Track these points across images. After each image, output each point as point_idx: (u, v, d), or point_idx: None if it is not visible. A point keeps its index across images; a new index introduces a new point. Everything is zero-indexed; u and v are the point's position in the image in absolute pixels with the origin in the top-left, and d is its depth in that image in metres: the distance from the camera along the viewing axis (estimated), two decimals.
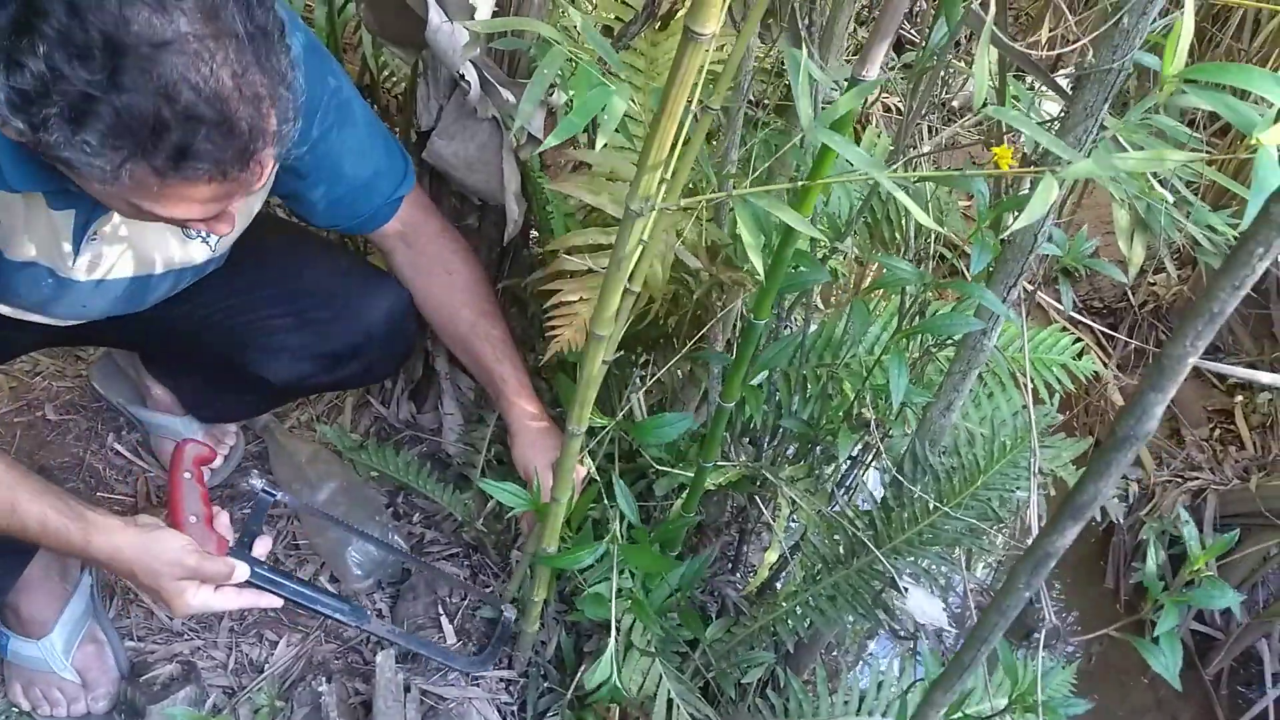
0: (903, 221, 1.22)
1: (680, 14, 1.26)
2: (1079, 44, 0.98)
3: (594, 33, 0.70)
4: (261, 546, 1.10)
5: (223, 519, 1.09)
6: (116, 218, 1.00)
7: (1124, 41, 0.68)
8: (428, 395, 1.59)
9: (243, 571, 1.06)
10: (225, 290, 1.21)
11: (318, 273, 1.28)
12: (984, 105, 0.55)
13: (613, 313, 0.79)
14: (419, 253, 1.23)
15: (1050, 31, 2.68)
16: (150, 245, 1.06)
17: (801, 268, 0.92)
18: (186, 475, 1.08)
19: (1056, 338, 1.33)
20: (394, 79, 2.01)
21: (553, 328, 1.14)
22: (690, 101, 0.62)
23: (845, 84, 0.79)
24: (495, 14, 1.14)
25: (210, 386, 1.42)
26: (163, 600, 1.01)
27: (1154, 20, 0.76)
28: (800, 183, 0.62)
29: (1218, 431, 2.22)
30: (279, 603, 1.11)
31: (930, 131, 1.56)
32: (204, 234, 1.10)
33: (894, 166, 1.08)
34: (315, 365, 1.26)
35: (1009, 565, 2.17)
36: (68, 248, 1.00)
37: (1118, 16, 0.68)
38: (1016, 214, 0.94)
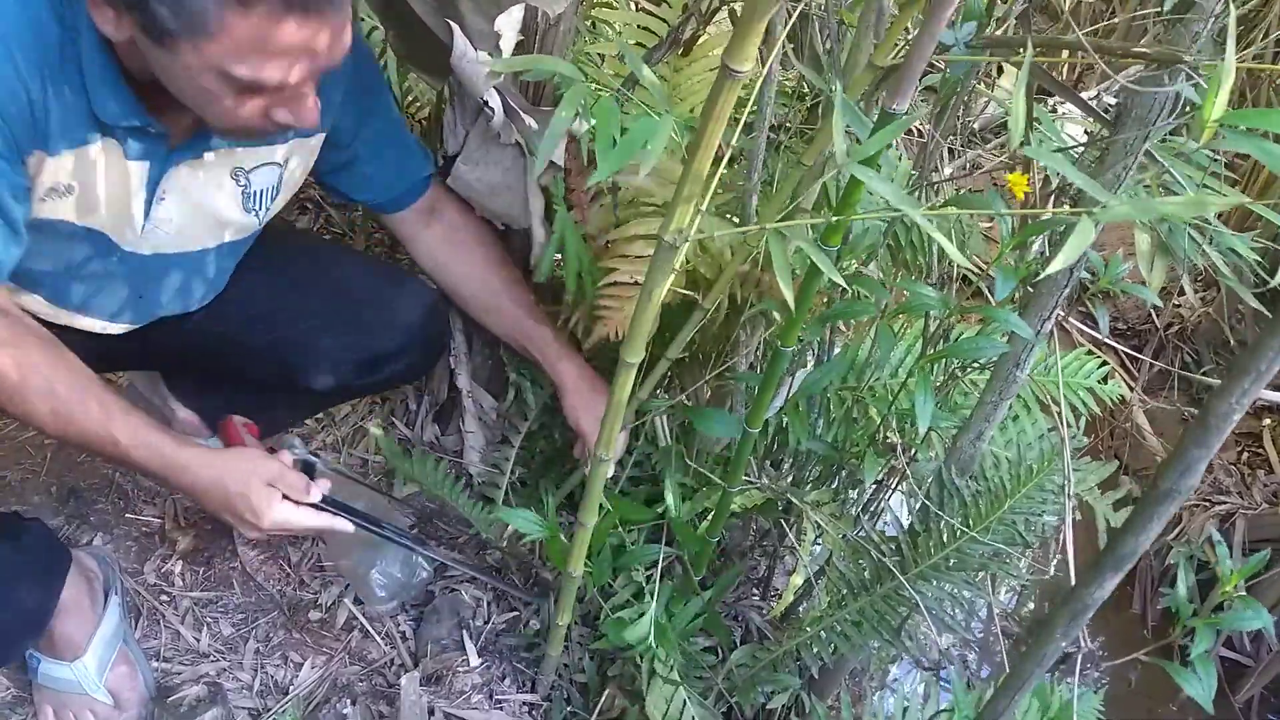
0: (926, 245, 1.23)
1: (701, 41, 1.27)
2: (1113, 76, 0.98)
3: (635, 58, 0.71)
4: (320, 488, 1.15)
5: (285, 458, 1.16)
6: (183, 178, 1.04)
7: (1171, 76, 0.68)
8: (451, 416, 1.60)
9: (318, 490, 1.12)
10: (264, 298, 1.24)
11: (351, 275, 1.32)
12: (1021, 144, 0.55)
13: (644, 340, 0.80)
14: (450, 226, 1.28)
15: (1070, 58, 2.68)
16: (205, 217, 1.10)
17: (862, 293, 0.93)
18: (244, 431, 1.19)
19: (1082, 361, 1.33)
20: (418, 104, 2.03)
21: (604, 308, 1.15)
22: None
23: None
24: (520, 43, 1.16)
25: (239, 402, 1.42)
26: (248, 512, 1.05)
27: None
28: (832, 218, 0.62)
29: (1245, 455, 2.20)
30: (350, 528, 1.16)
31: (951, 154, 1.56)
32: (254, 203, 1.13)
33: (917, 192, 1.08)
34: (358, 369, 1.29)
35: (1033, 589, 2.15)
36: (138, 208, 1.03)
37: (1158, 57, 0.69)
38: (1043, 241, 0.94)
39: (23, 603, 1.14)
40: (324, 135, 1.14)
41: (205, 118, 0.92)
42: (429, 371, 1.58)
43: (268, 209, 1.15)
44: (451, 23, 1.11)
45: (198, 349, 1.27)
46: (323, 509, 1.12)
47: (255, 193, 1.11)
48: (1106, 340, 1.92)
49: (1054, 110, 1.93)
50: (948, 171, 1.35)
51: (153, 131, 0.97)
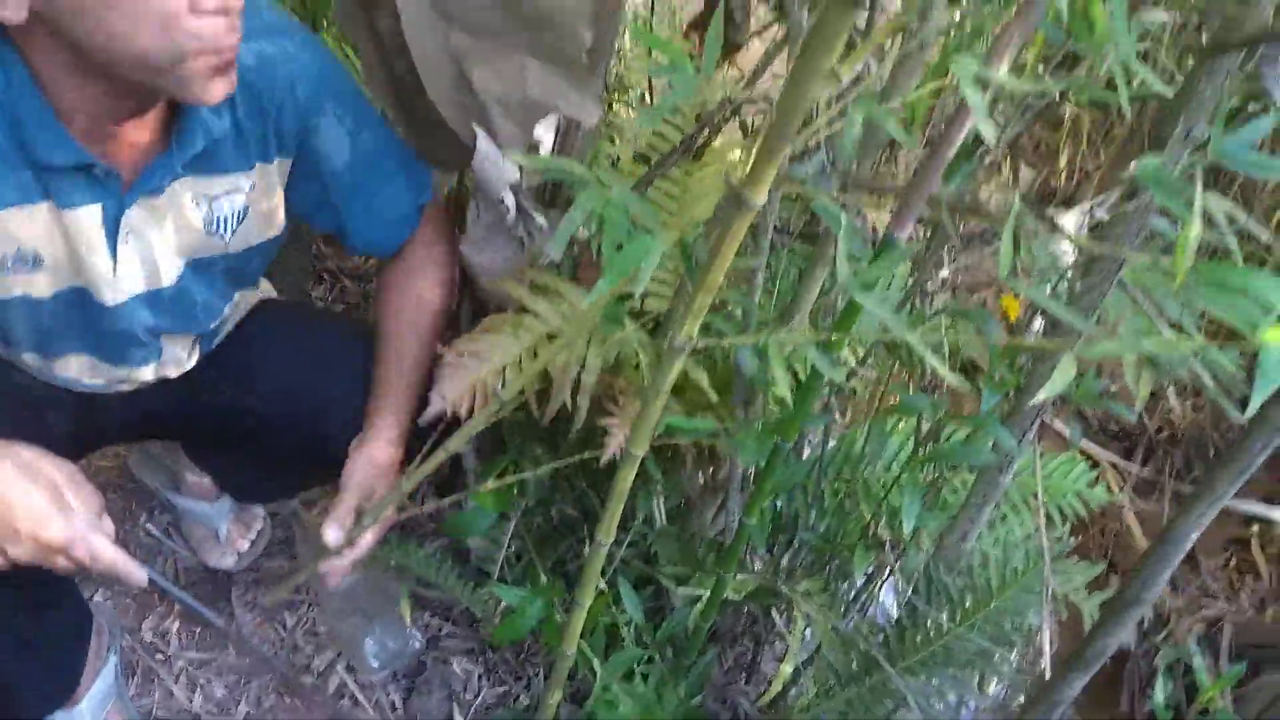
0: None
1: (715, 145, 1.35)
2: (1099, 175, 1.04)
3: (625, 189, 0.77)
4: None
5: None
6: (143, 215, 1.00)
7: (1140, 215, 0.74)
8: (453, 488, 1.63)
9: (108, 520, 0.95)
10: (287, 372, 1.24)
11: (356, 330, 1.30)
12: (1007, 275, 0.61)
13: (649, 435, 0.84)
14: (418, 296, 1.22)
15: (1069, 161, 2.78)
16: (170, 247, 1.05)
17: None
18: None
19: (1070, 465, 1.37)
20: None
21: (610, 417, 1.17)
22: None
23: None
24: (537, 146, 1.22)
25: (254, 467, 1.43)
26: (26, 519, 0.86)
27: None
28: (832, 335, 0.67)
29: (1234, 560, 2.22)
30: (144, 578, 0.98)
31: (948, 254, 1.63)
32: (219, 227, 1.08)
33: (911, 297, 1.14)
34: None
35: (1021, 685, 2.15)
36: (102, 257, 0.99)
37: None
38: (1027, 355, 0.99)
39: (62, 668, 1.17)
40: (288, 161, 1.09)
41: (147, 63, 0.83)
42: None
43: (234, 231, 1.10)
44: (477, 127, 1.17)
45: (217, 419, 1.28)
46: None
47: (220, 217, 1.07)
48: (1094, 446, 1.96)
49: (1052, 222, 2.00)
50: (944, 274, 1.41)
51: (98, 172, 0.93)
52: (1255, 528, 2.23)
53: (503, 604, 1.46)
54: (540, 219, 1.25)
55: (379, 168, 1.15)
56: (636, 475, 1.14)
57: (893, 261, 0.68)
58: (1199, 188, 0.53)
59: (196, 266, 1.10)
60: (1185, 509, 0.47)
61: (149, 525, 1.55)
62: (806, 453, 1.38)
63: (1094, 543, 2.36)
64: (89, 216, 0.97)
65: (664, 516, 1.42)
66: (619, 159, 1.45)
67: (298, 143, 1.08)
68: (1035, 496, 1.29)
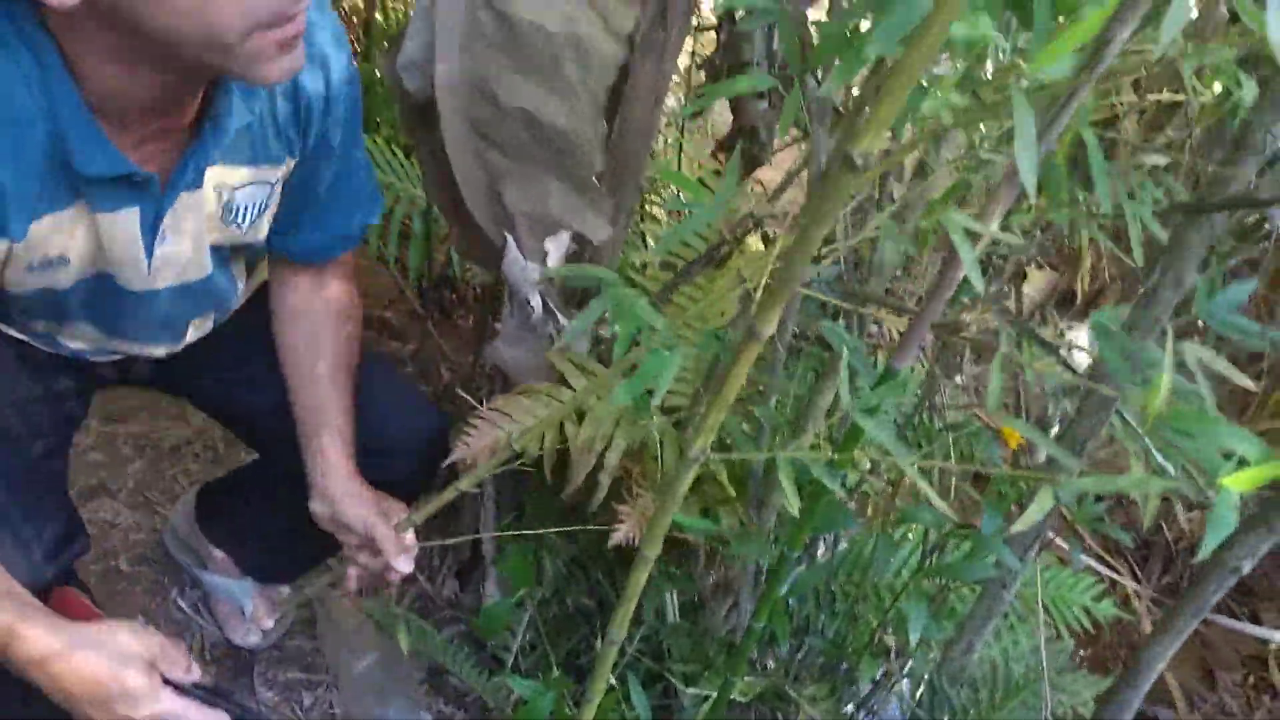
0: (929, 453, 1.32)
1: (734, 260, 1.42)
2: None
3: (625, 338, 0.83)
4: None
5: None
6: (181, 206, 0.98)
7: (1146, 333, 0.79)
8: (472, 576, 1.67)
9: (196, 669, 0.98)
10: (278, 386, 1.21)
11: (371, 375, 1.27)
12: (996, 406, 0.66)
13: (662, 536, 0.89)
14: (326, 298, 1.20)
15: (1092, 265, 2.83)
16: (203, 237, 1.04)
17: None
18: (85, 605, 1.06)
19: (1077, 578, 1.39)
20: (471, 272, 2.21)
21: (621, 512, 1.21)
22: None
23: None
24: (575, 252, 1.30)
25: (270, 540, 1.49)
26: (124, 701, 0.88)
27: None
28: (835, 456, 0.72)
29: (1251, 678, 2.19)
30: None
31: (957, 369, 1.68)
32: (234, 216, 1.05)
33: (920, 411, 1.19)
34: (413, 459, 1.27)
35: None
36: (138, 256, 0.98)
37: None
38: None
39: None
40: (294, 161, 1.07)
41: (216, 39, 0.79)
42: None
43: (252, 221, 1.07)
44: (506, 234, 1.26)
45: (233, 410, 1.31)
46: (200, 696, 0.98)
47: (241, 206, 1.04)
48: (1105, 557, 1.97)
49: (1061, 334, 2.05)
50: (950, 393, 1.46)
51: (138, 179, 0.90)
52: (1273, 645, 2.21)
53: (515, 694, 1.49)
54: (564, 320, 1.32)
55: (354, 186, 1.15)
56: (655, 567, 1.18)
57: (894, 390, 0.73)
58: (1169, 342, 0.59)
59: (219, 253, 1.09)
60: (1146, 657, 0.51)
61: (179, 601, 1.60)
62: (821, 551, 1.42)
63: (1112, 653, 2.35)
64: (126, 220, 0.94)
65: (677, 612, 1.45)
66: (646, 265, 1.53)
67: (310, 147, 1.06)
68: (1040, 610, 1.31)
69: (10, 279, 0.95)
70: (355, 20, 2.99)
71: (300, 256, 1.19)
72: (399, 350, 2.09)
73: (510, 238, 1.26)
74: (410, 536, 1.17)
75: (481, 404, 1.48)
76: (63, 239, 0.92)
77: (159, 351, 1.18)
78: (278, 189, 1.07)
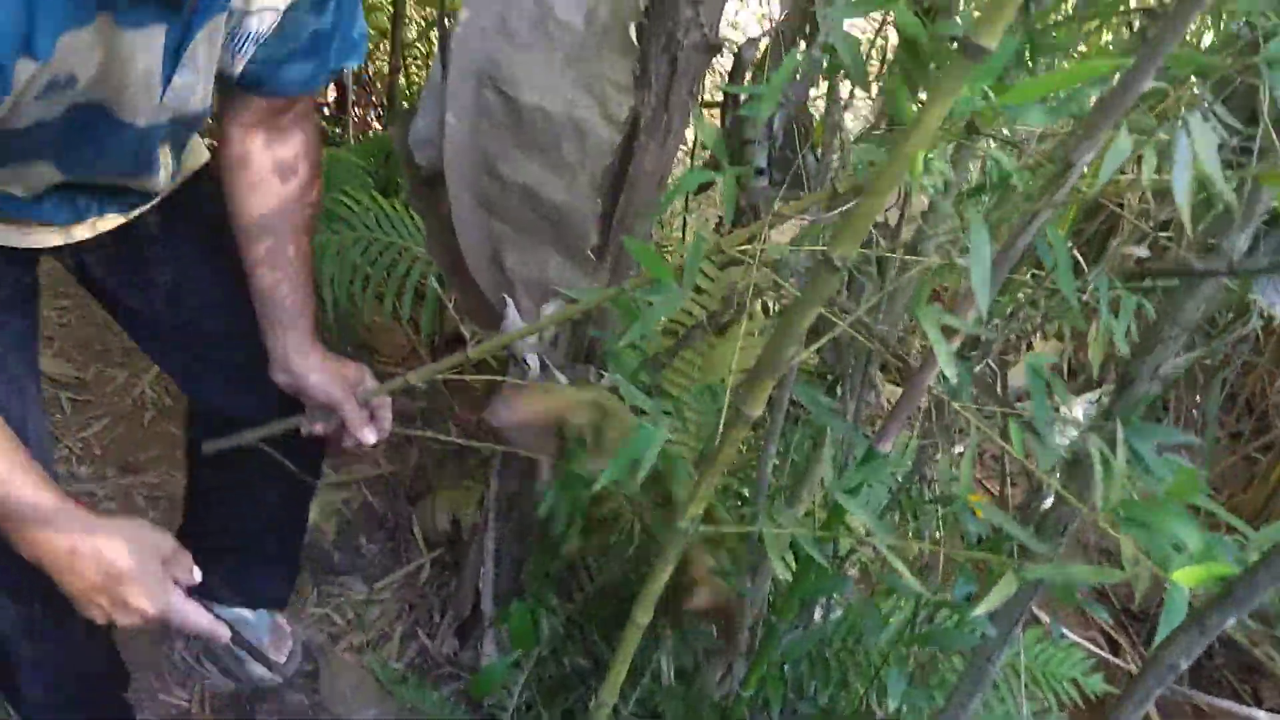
0: (918, 525, 1.35)
1: (736, 327, 1.47)
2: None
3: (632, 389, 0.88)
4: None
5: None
6: (205, 40, 0.92)
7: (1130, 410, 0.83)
8: (472, 634, 1.69)
9: (198, 571, 0.99)
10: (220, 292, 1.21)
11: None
12: (967, 491, 0.70)
13: (654, 602, 0.92)
14: (292, 153, 1.13)
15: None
16: (211, 67, 0.98)
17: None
18: None
19: (1067, 651, 1.41)
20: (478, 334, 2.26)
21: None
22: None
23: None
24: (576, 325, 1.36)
25: (241, 559, 1.47)
26: (137, 594, 0.89)
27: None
28: (819, 533, 0.76)
29: None
30: (226, 635, 1.03)
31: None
32: (239, 44, 0.99)
33: (909, 485, 1.22)
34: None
35: None
36: (153, 81, 0.90)
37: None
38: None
39: None
40: None
41: None
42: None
43: (248, 54, 1.01)
44: (507, 296, 1.32)
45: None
46: (205, 605, 1.00)
47: (245, 34, 0.98)
48: (1106, 628, 1.97)
49: (1056, 409, 2.08)
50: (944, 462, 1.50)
51: None
52: None
53: None
54: (561, 376, 1.37)
55: (352, 20, 1.08)
56: (647, 630, 1.21)
57: (875, 471, 0.77)
58: (1119, 431, 0.63)
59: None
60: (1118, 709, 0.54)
61: (184, 653, 1.62)
62: (818, 614, 1.44)
63: None
64: (150, 39, 0.87)
65: (672, 674, 1.46)
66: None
67: None
68: (1032, 679, 1.33)
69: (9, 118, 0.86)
70: (379, 85, 3.10)
71: (281, 89, 1.08)
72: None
73: (510, 300, 1.32)
74: (387, 415, 1.20)
75: (489, 461, 1.52)
76: (77, 58, 0.83)
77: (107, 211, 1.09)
78: (279, 19, 0.99)
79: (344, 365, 1.20)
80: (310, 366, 1.18)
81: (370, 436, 1.18)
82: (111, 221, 1.14)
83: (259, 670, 1.57)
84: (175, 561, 0.95)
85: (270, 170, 1.13)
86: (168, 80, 0.92)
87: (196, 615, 0.98)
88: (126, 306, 1.27)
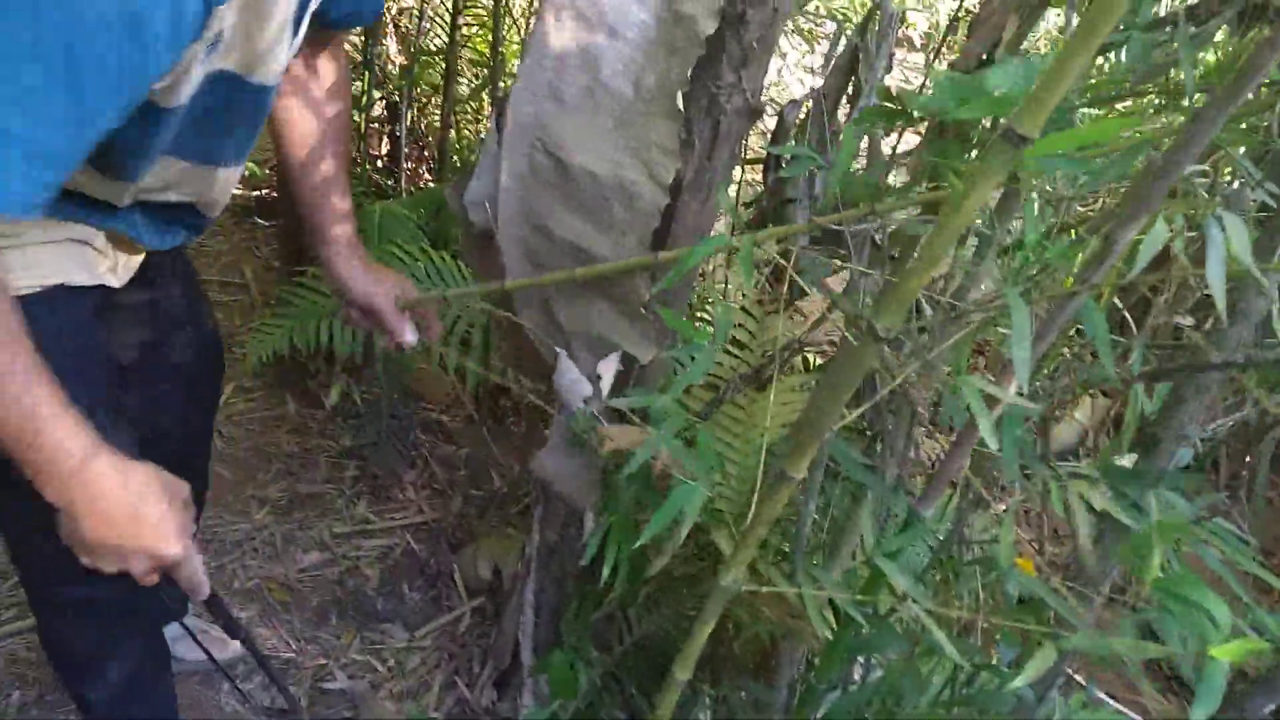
0: (956, 585, 1.34)
1: (777, 381, 1.49)
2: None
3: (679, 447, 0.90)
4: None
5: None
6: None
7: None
8: (510, 684, 1.70)
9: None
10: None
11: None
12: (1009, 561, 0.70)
13: (695, 659, 0.93)
14: (322, 77, 1.25)
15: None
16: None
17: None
18: None
19: (1114, 716, 1.37)
20: (524, 384, 2.29)
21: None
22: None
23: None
24: (623, 372, 1.38)
25: None
26: (162, 537, 0.89)
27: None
28: (858, 597, 0.76)
29: None
30: (207, 592, 1.02)
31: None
32: (302, 9, 1.02)
33: (950, 545, 1.21)
34: None
35: None
36: (285, 35, 0.97)
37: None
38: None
39: None
40: None
41: None
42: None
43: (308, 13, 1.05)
44: (559, 350, 1.35)
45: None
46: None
47: None
48: (1151, 692, 1.91)
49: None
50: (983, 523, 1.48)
51: None
52: None
53: None
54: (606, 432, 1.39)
55: None
56: (686, 686, 1.22)
57: (915, 536, 0.78)
58: (1154, 507, 0.63)
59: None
60: None
61: (232, 695, 1.65)
62: (857, 673, 1.42)
63: None
64: (286, 4, 0.93)
65: None
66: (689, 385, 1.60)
67: None
68: None
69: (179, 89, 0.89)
70: (431, 139, 3.20)
71: (335, 23, 1.18)
72: (453, 455, 2.17)
73: (562, 352, 1.35)
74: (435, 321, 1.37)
75: (530, 510, 1.54)
76: (218, 21, 0.85)
77: (216, 193, 1.14)
78: None
79: (385, 273, 1.33)
80: (354, 271, 1.29)
81: (410, 336, 1.31)
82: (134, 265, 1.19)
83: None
84: (190, 506, 0.95)
85: (319, 93, 1.26)
86: (294, 35, 1.00)
87: (198, 562, 0.98)
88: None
